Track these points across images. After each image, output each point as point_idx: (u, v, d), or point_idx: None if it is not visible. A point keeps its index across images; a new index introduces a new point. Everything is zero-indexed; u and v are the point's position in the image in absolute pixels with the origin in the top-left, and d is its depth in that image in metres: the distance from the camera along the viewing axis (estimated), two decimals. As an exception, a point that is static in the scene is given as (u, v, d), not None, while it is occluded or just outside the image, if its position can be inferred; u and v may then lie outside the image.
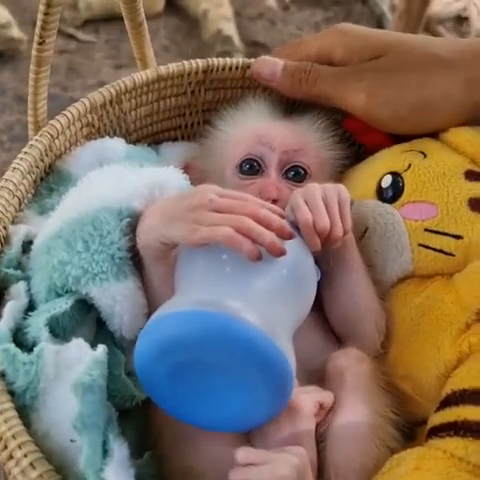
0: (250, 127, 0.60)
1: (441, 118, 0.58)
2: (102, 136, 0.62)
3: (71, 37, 1.42)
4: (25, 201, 0.56)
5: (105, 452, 0.41)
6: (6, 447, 0.40)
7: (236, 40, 1.52)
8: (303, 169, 0.59)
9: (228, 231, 0.42)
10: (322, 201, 0.49)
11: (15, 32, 1.39)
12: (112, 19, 1.55)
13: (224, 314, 0.38)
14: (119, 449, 0.41)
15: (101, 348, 0.44)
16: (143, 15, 0.60)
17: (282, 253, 0.43)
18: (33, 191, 0.57)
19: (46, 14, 0.52)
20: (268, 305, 0.42)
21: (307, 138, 0.60)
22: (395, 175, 0.57)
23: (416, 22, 1.44)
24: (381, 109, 0.60)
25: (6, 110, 1.27)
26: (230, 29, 1.53)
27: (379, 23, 1.68)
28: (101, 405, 0.42)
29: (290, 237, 0.44)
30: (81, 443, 0.40)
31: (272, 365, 0.39)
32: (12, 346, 0.44)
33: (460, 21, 1.70)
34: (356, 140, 0.68)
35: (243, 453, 0.39)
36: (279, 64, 0.64)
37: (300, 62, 0.64)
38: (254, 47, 1.58)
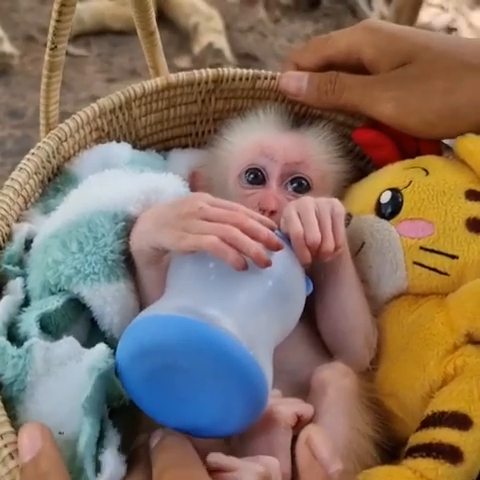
0: (254, 138, 0.61)
1: (470, 124, 0.58)
2: (111, 141, 0.63)
3: (65, 55, 1.44)
4: (31, 200, 0.58)
5: (102, 439, 0.42)
6: (-13, 437, 0.41)
7: (227, 53, 1.54)
8: (305, 181, 0.59)
9: (214, 240, 0.43)
10: (315, 214, 0.50)
11: (7, 47, 1.43)
12: (103, 33, 1.58)
13: (200, 320, 0.39)
14: (116, 436, 0.42)
15: (104, 345, 0.45)
16: (155, 24, 0.61)
17: (267, 264, 0.43)
18: (40, 191, 0.59)
19: (58, 21, 0.54)
20: (249, 315, 0.42)
21: (311, 151, 0.60)
22: (395, 191, 0.57)
23: None
24: (409, 117, 0.60)
25: (-2, 125, 1.29)
26: (221, 42, 1.54)
27: None
28: (104, 396, 0.43)
29: (277, 248, 0.45)
30: (83, 425, 0.41)
31: (246, 375, 0.39)
32: (3, 339, 0.46)
33: (449, 32, 1.69)
34: (365, 153, 0.68)
35: (213, 458, 0.39)
36: (304, 78, 0.64)
37: (324, 73, 0.64)
38: (245, 60, 1.59)
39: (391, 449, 0.50)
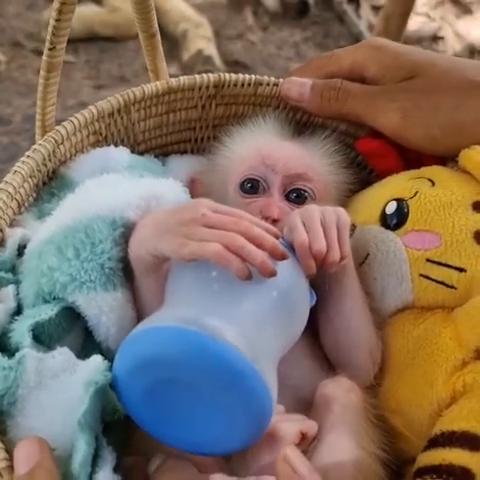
0: (255, 147, 0.59)
1: (475, 141, 0.57)
2: (109, 145, 0.62)
3: (63, 56, 1.43)
4: (26, 204, 0.56)
5: (97, 458, 0.40)
6: (-24, 453, 0.39)
7: (216, 60, 1.53)
8: (306, 192, 0.58)
9: (218, 248, 0.41)
10: (320, 223, 0.48)
11: (-7, 53, 1.41)
12: (91, 39, 1.58)
13: (203, 333, 0.37)
14: (111, 456, 0.40)
15: (100, 357, 0.43)
16: (156, 26, 0.60)
17: (272, 274, 0.41)
18: (35, 195, 0.57)
19: (58, 20, 0.52)
20: (253, 327, 0.40)
21: (312, 161, 0.59)
22: (400, 202, 0.55)
23: (394, 41, 1.44)
24: (414, 130, 0.59)
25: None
26: (210, 49, 1.54)
27: (357, 43, 1.68)
28: (99, 411, 0.42)
29: (283, 258, 0.43)
30: (78, 442, 0.39)
31: (250, 390, 0.37)
32: (-7, 349, 0.44)
33: (436, 40, 1.71)
34: (368, 163, 0.67)
35: (216, 479, 0.38)
36: (307, 84, 0.63)
37: (329, 80, 0.63)
38: (234, 67, 1.60)
39: (396, 467, 0.48)
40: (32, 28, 1.52)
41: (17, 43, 1.55)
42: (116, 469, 0.41)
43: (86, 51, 1.55)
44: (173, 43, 1.60)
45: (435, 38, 1.76)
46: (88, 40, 1.57)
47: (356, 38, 1.72)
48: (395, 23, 1.42)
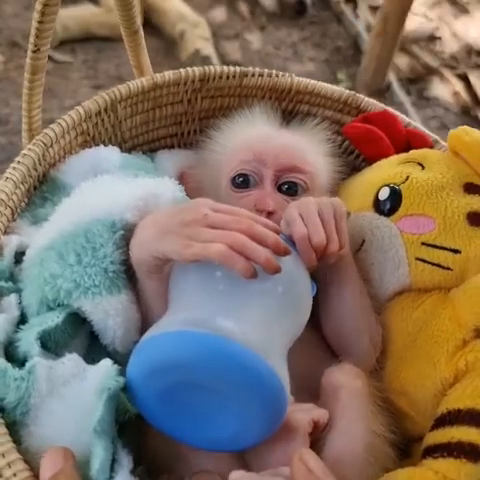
0: (245, 140, 0.59)
1: None
2: (97, 144, 0.61)
3: (47, 58, 1.40)
4: (18, 211, 0.55)
5: (114, 461, 0.41)
6: (-4, 465, 0.39)
7: (214, 60, 1.53)
8: (298, 184, 0.58)
9: (221, 248, 0.41)
10: (318, 215, 0.49)
11: (-10, 53, 1.38)
12: (88, 39, 1.55)
13: (216, 335, 0.37)
14: (127, 458, 0.41)
15: (109, 361, 0.43)
16: (139, 23, 0.59)
17: (277, 270, 0.42)
18: (26, 200, 0.56)
19: (40, 22, 0.51)
20: (262, 324, 0.41)
21: (302, 153, 0.59)
22: (393, 187, 0.56)
23: (392, 41, 1.46)
24: None
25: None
26: (208, 49, 1.53)
27: (355, 43, 1.70)
28: (114, 415, 0.42)
29: (285, 253, 0.43)
30: (96, 449, 0.40)
31: (265, 387, 0.38)
32: (3, 361, 0.43)
33: (433, 40, 1.73)
34: (356, 148, 0.68)
35: (236, 476, 0.38)
36: None
37: None
38: (232, 67, 1.60)
39: (403, 446, 0.50)
40: (30, 28, 1.47)
41: (15, 43, 1.53)
42: (133, 471, 0.42)
43: (83, 51, 1.54)
44: (171, 43, 1.59)
45: (432, 38, 1.76)
46: (85, 40, 1.56)
47: (354, 38, 1.73)
48: (393, 23, 1.42)
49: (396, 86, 1.61)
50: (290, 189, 0.57)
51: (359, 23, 1.75)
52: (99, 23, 1.55)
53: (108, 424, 0.41)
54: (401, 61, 1.70)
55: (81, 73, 1.47)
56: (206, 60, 1.50)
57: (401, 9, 1.42)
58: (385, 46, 1.48)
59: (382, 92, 1.56)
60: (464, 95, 1.65)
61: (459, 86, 1.67)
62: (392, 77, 1.62)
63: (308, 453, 0.38)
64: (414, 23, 1.76)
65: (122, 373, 0.46)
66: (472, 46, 1.78)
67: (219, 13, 1.72)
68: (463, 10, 1.89)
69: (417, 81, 1.68)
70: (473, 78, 1.69)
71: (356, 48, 1.72)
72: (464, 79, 1.69)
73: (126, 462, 0.41)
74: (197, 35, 1.53)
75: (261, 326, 0.40)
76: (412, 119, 0.67)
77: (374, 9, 1.75)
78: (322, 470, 0.37)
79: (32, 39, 0.52)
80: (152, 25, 1.61)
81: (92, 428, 0.40)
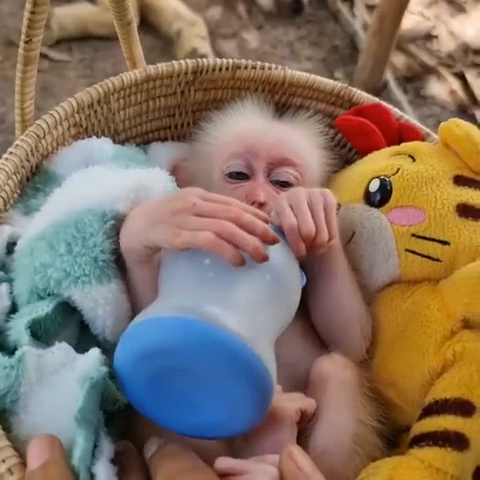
0: (237, 133, 0.59)
1: None
2: (90, 136, 0.61)
3: (44, 56, 1.41)
4: (11, 201, 0.55)
5: (95, 448, 0.41)
6: (-14, 452, 0.39)
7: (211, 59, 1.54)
8: (290, 176, 0.58)
9: (210, 236, 0.41)
10: (307, 206, 0.49)
11: (-13, 52, 1.38)
12: (85, 38, 1.55)
13: (203, 320, 0.38)
14: (108, 447, 0.41)
15: (97, 350, 0.44)
16: (132, 14, 0.59)
17: (265, 259, 0.42)
18: (19, 191, 0.56)
19: (32, 12, 0.51)
20: (250, 311, 0.41)
21: (294, 145, 0.59)
22: (383, 179, 0.56)
23: (389, 40, 1.46)
24: None
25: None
26: (205, 47, 1.54)
27: (352, 42, 1.71)
28: (98, 403, 0.42)
29: (274, 242, 0.44)
30: (77, 437, 0.40)
31: (251, 373, 0.38)
32: (-8, 349, 0.44)
33: (430, 39, 1.73)
34: (348, 141, 0.68)
35: (222, 462, 0.38)
36: None
37: None
38: (225, 59, 1.60)
39: (391, 436, 0.50)
40: (27, 27, 1.49)
41: (11, 42, 1.53)
42: (114, 460, 0.42)
43: (80, 50, 1.54)
44: (167, 42, 1.59)
45: (429, 37, 1.77)
46: (82, 39, 1.56)
47: (351, 37, 1.73)
48: (389, 22, 1.42)
49: (393, 85, 1.62)
50: (282, 181, 0.58)
51: (356, 22, 1.76)
52: (96, 22, 1.56)
53: (89, 413, 0.40)
54: (398, 60, 1.71)
55: (78, 72, 1.48)
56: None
57: (398, 8, 1.42)
58: (382, 45, 1.48)
59: (379, 91, 1.56)
60: (461, 94, 1.65)
61: (456, 85, 1.68)
62: (389, 76, 1.63)
63: (296, 450, 0.38)
64: (411, 22, 1.77)
65: (109, 364, 0.46)
66: (469, 45, 1.78)
67: (216, 12, 1.72)
68: (460, 9, 1.90)
69: (414, 80, 1.69)
70: (470, 77, 1.69)
71: (353, 47, 1.73)
72: (461, 78, 1.70)
73: (107, 450, 0.41)
74: (194, 34, 1.54)
75: (248, 313, 0.41)
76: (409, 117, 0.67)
77: (371, 8, 1.76)
78: (310, 467, 0.37)
79: (24, 29, 0.52)
80: (149, 24, 1.61)
81: (73, 417, 0.40)
